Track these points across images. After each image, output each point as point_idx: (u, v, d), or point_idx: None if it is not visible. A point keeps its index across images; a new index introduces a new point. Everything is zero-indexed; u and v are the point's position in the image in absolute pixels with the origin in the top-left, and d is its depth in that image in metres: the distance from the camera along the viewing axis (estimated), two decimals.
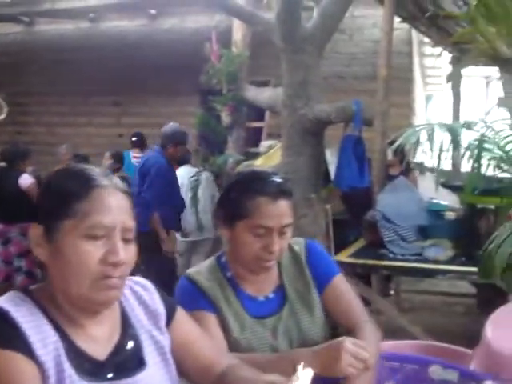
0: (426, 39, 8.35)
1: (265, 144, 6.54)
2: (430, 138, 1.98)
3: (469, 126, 2.20)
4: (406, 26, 7.69)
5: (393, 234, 4.35)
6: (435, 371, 1.67)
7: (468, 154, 2.32)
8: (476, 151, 2.16)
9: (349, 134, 4.18)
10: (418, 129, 2.05)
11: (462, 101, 9.15)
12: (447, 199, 5.57)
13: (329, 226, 4.31)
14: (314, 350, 1.52)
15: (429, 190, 6.03)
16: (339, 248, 4.56)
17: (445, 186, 4.59)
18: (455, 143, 1.99)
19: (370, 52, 8.05)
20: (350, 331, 1.67)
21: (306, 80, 4.21)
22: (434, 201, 5.42)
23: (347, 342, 1.43)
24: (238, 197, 1.67)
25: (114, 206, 1.21)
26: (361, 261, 4.24)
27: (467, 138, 2.34)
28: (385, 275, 5.37)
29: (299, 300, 1.75)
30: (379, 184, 5.17)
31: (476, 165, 2.15)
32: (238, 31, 6.67)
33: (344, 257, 4.32)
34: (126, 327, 1.31)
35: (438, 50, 8.57)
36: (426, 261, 4.16)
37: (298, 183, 4.12)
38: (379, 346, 1.66)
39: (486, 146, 2.26)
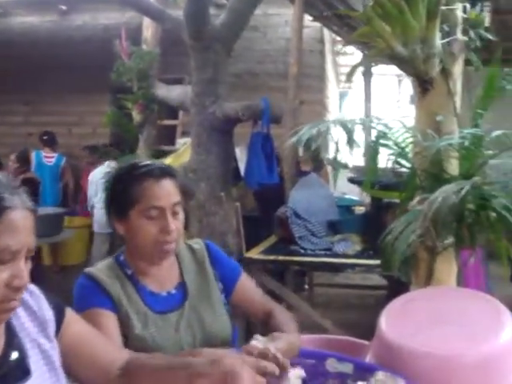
0: (339, 37, 8.52)
1: (181, 141, 6.51)
2: (324, 135, 2.01)
3: (364, 123, 2.24)
4: (318, 24, 7.82)
5: (303, 229, 4.41)
6: (331, 364, 1.68)
7: (369, 150, 2.36)
8: (373, 147, 2.20)
9: (257, 131, 4.19)
10: (312, 125, 2.07)
11: (375, 98, 9.42)
12: (359, 195, 5.71)
13: (239, 224, 4.32)
14: (213, 361, 1.41)
15: (342, 186, 6.17)
16: (253, 245, 4.58)
17: (352, 181, 4.70)
18: (349, 140, 2.03)
19: (282, 50, 8.13)
20: (266, 319, 1.78)
21: (214, 78, 4.19)
22: (346, 196, 5.54)
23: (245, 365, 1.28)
24: (123, 187, 1.69)
25: (22, 227, 1.16)
26: (272, 257, 4.28)
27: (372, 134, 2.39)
28: (299, 270, 5.45)
29: (200, 296, 1.78)
30: (290, 180, 5.23)
31: (372, 160, 2.20)
32: (149, 28, 6.59)
33: (255, 254, 4.35)
34: (11, 337, 1.26)
35: (351, 48, 8.79)
36: (335, 255, 4.25)
37: (207, 181, 4.11)
38: (295, 323, 1.76)
39: (385, 142, 2.31)
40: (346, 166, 5.40)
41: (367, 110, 8.76)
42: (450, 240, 2.30)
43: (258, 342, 1.52)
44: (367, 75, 8.88)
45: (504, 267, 2.69)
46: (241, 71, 8.44)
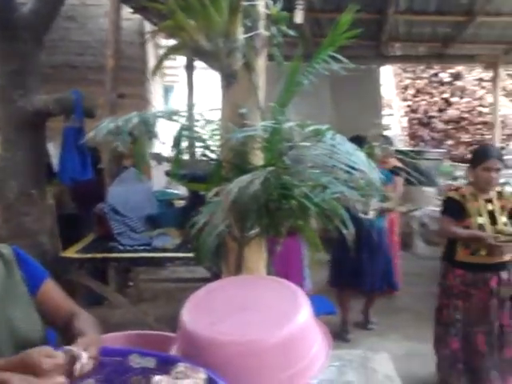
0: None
1: None
2: (123, 129, 1.97)
3: (169, 115, 2.23)
4: (139, 16, 7.72)
5: (122, 225, 4.34)
6: (134, 360, 1.67)
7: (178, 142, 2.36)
8: (177, 140, 2.20)
9: (70, 125, 4.02)
10: (112, 120, 2.02)
11: (201, 92, 9.49)
12: (182, 189, 5.71)
13: (54, 223, 4.15)
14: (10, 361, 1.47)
15: (163, 180, 6.15)
16: (72, 244, 4.43)
17: (168, 174, 4.69)
18: (149, 132, 2.01)
19: (103, 41, 7.92)
20: (68, 322, 1.76)
21: (22, 69, 3.94)
22: (168, 190, 5.52)
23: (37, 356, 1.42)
24: None
25: None
26: (89, 255, 4.17)
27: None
28: (123, 267, 5.35)
29: (8, 298, 1.72)
30: (110, 176, 5.12)
31: (176, 152, 2.20)
32: None
33: (72, 253, 4.21)
34: None
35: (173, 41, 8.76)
36: (154, 250, 4.23)
37: (16, 179, 3.88)
38: (97, 326, 1.76)
39: (190, 134, 2.32)
40: (168, 160, 5.40)
41: (190, 104, 8.80)
42: (256, 230, 2.36)
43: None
44: (189, 69, 8.91)
45: (315, 252, 2.81)
46: (59, 63, 8.11)
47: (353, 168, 1.79)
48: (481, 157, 4.01)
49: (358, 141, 3.73)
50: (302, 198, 2.17)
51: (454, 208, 4.05)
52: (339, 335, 5.44)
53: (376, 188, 1.85)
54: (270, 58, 2.56)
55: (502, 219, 4.00)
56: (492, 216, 3.99)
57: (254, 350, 1.61)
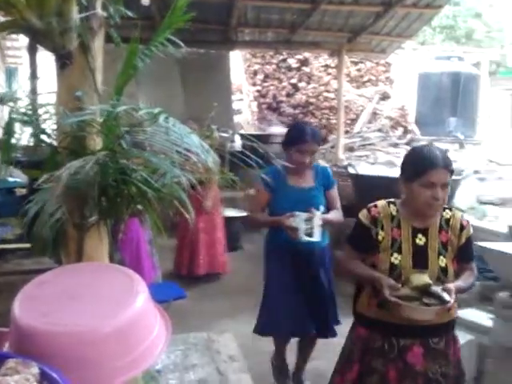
0: None
1: None
2: None
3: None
4: None
5: None
6: None
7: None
8: (9, 124, 2.08)
9: None
10: None
11: (45, 74, 9.05)
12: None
13: None
14: None
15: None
16: None
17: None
18: None
19: None
20: None
21: None
22: (10, 179, 5.24)
23: None
24: None
25: None
26: None
27: None
28: None
29: None
30: None
31: (7, 136, 2.08)
32: None
33: None
34: None
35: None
36: None
37: None
38: None
39: (23, 119, 2.20)
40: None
41: (34, 87, 8.39)
42: (95, 216, 2.30)
43: None
44: (31, 50, 8.50)
45: (159, 237, 2.78)
46: None
47: (189, 151, 1.79)
48: (420, 166, 2.71)
49: None
50: (141, 182, 2.14)
51: (359, 236, 2.92)
52: None
53: (213, 172, 1.86)
54: (110, 39, 2.50)
55: (439, 262, 2.77)
56: (422, 254, 2.77)
57: (88, 339, 1.57)
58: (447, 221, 2.84)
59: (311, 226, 3.91)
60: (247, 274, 7.29)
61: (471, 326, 4.55)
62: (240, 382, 2.28)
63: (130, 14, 2.56)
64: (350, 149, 12.93)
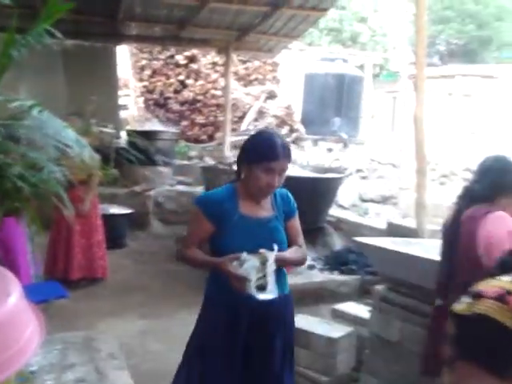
0: None
1: None
2: None
3: None
4: None
5: None
6: None
7: None
8: None
9: None
10: None
11: None
12: None
13: None
14: None
15: None
16: None
17: None
18: None
19: None
20: None
21: None
22: None
23: None
24: None
25: None
26: None
27: None
28: None
29: None
30: None
31: None
32: None
33: None
34: None
35: None
36: None
37: None
38: None
39: None
40: None
41: None
42: None
43: None
44: None
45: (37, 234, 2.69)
46: None
47: (67, 146, 1.74)
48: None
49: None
50: (16, 178, 2.06)
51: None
52: None
53: (93, 168, 1.83)
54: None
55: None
56: None
57: None
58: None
59: (264, 274, 2.72)
60: (131, 272, 7.23)
61: (351, 319, 4.74)
62: (119, 380, 2.25)
63: (6, 1, 2.46)
64: (237, 146, 13.05)
